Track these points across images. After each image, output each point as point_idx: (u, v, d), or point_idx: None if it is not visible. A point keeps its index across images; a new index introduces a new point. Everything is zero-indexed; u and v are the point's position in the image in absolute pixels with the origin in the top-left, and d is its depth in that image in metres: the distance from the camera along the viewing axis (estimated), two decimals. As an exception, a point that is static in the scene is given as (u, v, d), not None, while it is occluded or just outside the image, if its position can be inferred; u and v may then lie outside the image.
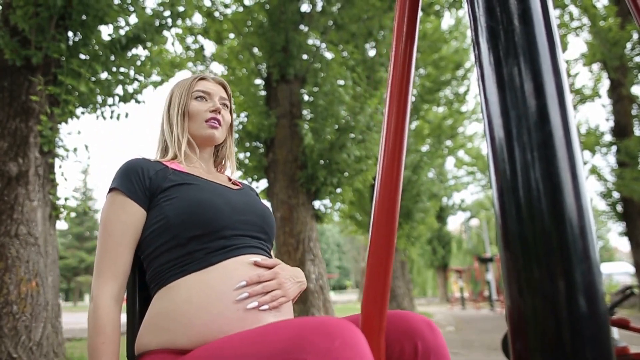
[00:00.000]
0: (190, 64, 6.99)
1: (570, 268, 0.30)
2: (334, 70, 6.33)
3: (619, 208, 9.88)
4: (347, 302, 22.33)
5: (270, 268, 1.01)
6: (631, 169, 8.81)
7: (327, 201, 6.42)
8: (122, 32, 4.18)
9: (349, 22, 6.63)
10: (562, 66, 0.34)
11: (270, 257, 1.11)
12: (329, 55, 6.96)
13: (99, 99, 4.20)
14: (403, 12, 0.56)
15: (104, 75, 4.18)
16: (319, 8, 6.57)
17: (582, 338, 0.30)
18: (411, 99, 0.60)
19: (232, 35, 6.92)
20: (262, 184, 6.52)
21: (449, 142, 15.03)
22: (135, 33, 4.18)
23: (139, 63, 4.36)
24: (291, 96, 6.39)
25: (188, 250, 0.98)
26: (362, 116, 6.16)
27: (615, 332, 2.11)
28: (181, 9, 4.40)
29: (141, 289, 1.10)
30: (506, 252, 0.33)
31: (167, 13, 4.35)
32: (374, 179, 0.93)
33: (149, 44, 4.39)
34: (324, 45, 6.73)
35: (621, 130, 9.57)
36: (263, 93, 6.66)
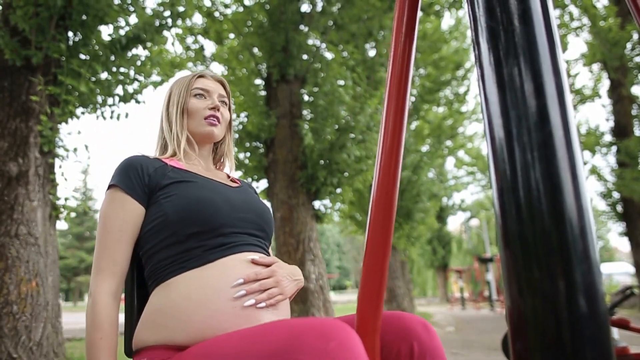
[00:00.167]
0: (190, 64, 6.99)
1: (570, 268, 0.30)
2: (334, 70, 6.32)
3: (619, 208, 9.87)
4: (347, 302, 22.31)
5: (267, 266, 1.01)
6: (631, 169, 8.80)
7: (327, 201, 6.41)
8: (122, 32, 4.18)
9: (349, 22, 6.63)
10: (562, 66, 0.34)
11: (268, 254, 1.11)
12: (329, 55, 6.96)
13: (99, 99, 4.19)
14: (402, 12, 0.56)
15: (104, 75, 4.18)
16: (319, 8, 6.56)
17: (582, 338, 0.30)
18: (410, 98, 0.61)
19: (232, 36, 6.91)
20: (262, 184, 6.52)
21: (449, 142, 15.03)
22: (135, 33, 4.18)
23: (139, 63, 4.35)
24: (291, 96, 6.39)
25: (186, 247, 0.98)
26: (362, 116, 6.16)
27: (615, 332, 2.11)
28: (181, 9, 4.39)
29: (139, 285, 1.11)
30: (506, 252, 0.33)
31: (167, 13, 4.35)
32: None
33: (149, 44, 4.38)
34: (324, 45, 6.72)
35: (621, 130, 9.56)
36: (263, 93, 6.66)
